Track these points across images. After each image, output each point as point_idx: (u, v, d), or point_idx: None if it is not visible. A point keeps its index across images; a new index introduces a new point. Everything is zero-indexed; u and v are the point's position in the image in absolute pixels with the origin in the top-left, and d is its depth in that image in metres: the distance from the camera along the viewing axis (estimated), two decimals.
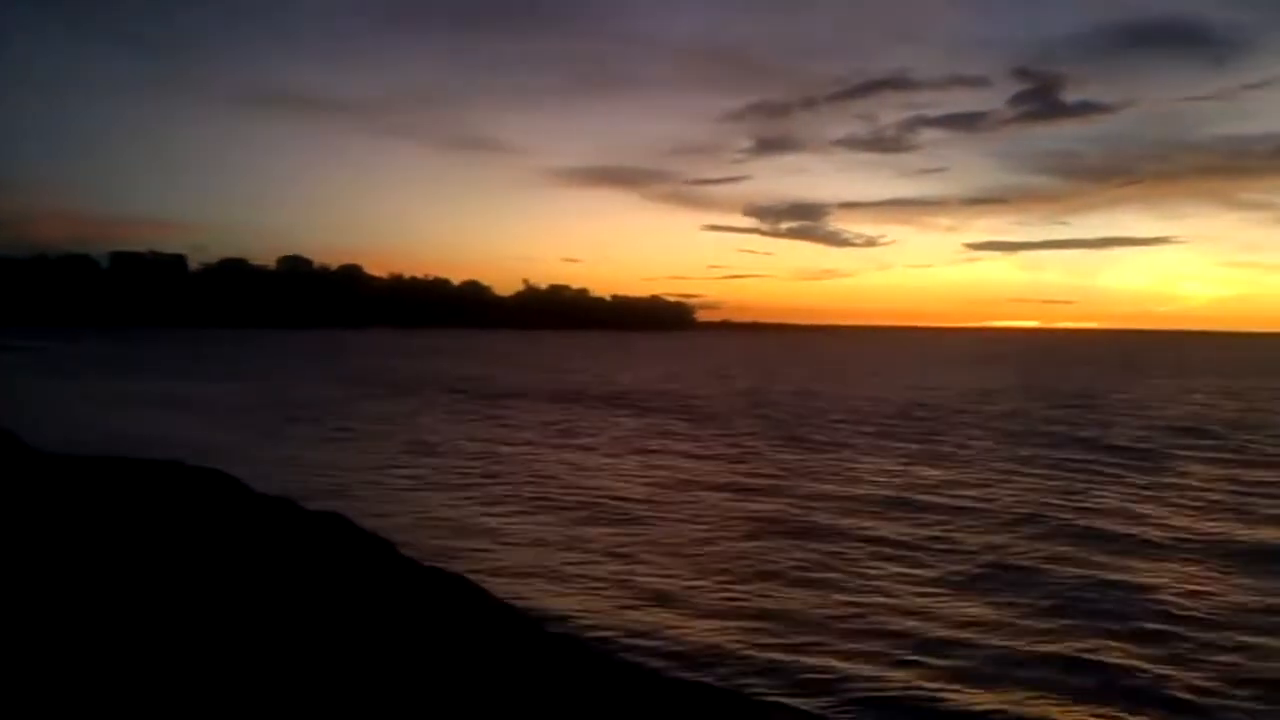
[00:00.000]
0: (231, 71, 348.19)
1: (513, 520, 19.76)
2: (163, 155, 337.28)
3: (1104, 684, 10.99)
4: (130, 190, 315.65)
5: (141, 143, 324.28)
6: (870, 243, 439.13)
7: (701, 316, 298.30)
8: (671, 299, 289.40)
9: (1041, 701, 10.46)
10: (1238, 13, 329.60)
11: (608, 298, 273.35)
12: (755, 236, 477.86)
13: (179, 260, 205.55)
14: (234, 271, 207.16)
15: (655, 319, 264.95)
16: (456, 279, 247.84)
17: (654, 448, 31.73)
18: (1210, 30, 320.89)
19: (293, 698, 8.92)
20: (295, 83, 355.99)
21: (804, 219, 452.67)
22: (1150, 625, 13.09)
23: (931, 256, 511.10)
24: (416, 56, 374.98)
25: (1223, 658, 11.87)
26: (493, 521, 19.53)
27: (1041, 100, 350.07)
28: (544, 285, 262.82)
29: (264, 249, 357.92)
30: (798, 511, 20.90)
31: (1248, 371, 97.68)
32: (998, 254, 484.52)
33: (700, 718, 9.77)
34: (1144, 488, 24.46)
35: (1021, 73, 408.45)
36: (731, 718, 9.90)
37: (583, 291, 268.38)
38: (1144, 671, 11.35)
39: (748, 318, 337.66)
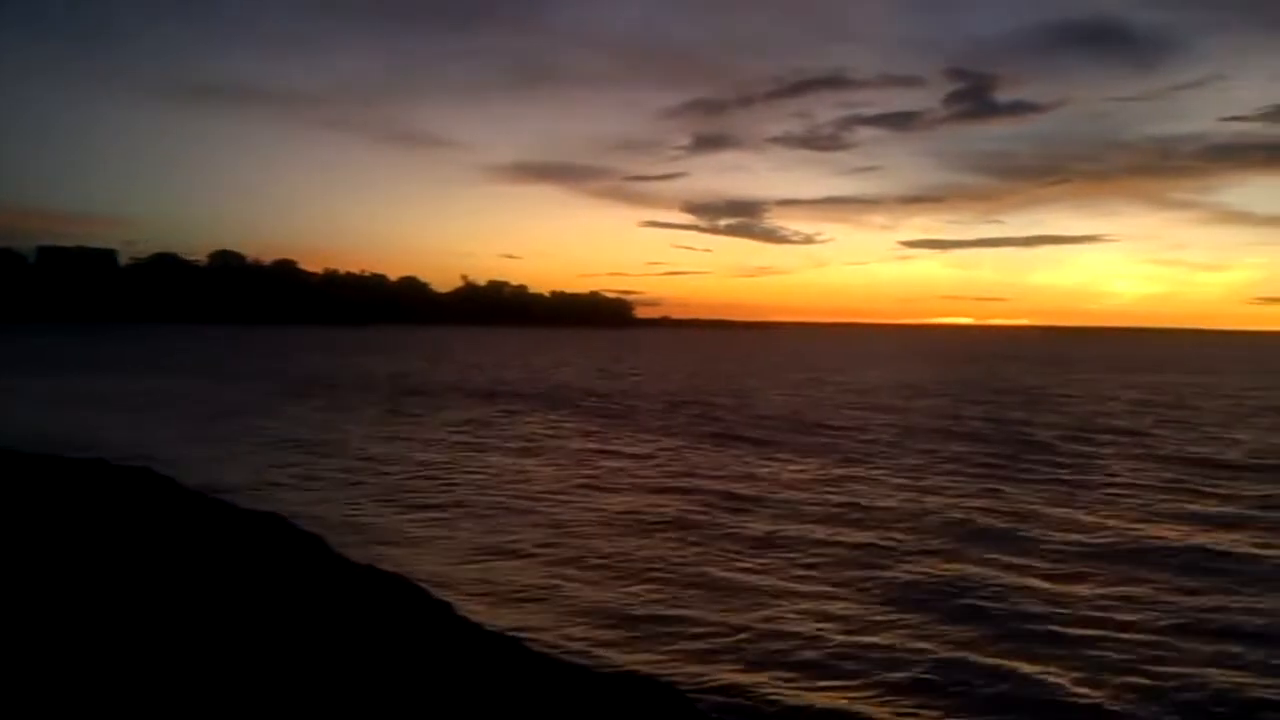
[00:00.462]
0: (164, 62, 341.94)
1: (426, 522, 19.82)
2: (93, 148, 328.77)
3: (981, 686, 11.22)
4: (59, 183, 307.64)
5: (71, 135, 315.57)
6: (807, 240, 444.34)
7: (640, 313, 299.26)
8: (610, 295, 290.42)
9: (923, 705, 10.73)
10: (1166, 15, 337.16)
11: (547, 294, 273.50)
12: (693, 233, 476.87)
13: (109, 255, 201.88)
14: (165, 266, 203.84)
15: (594, 315, 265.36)
16: (393, 275, 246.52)
17: (578, 447, 31.86)
18: (1140, 32, 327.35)
19: (229, 694, 9.09)
20: (229, 74, 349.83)
21: (742, 216, 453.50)
22: (1036, 628, 13.33)
23: (867, 254, 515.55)
24: (353, 49, 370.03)
25: (1113, 660, 12.16)
26: (406, 523, 19.59)
27: (975, 100, 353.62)
28: (482, 281, 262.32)
29: (197, 244, 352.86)
30: (713, 512, 21.12)
31: (1171, 368, 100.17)
32: (932, 252, 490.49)
33: (637, 713, 10.01)
34: (1057, 485, 25.02)
35: (955, 73, 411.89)
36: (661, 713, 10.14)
37: (521, 288, 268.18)
38: (1020, 674, 11.58)
39: (686, 314, 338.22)
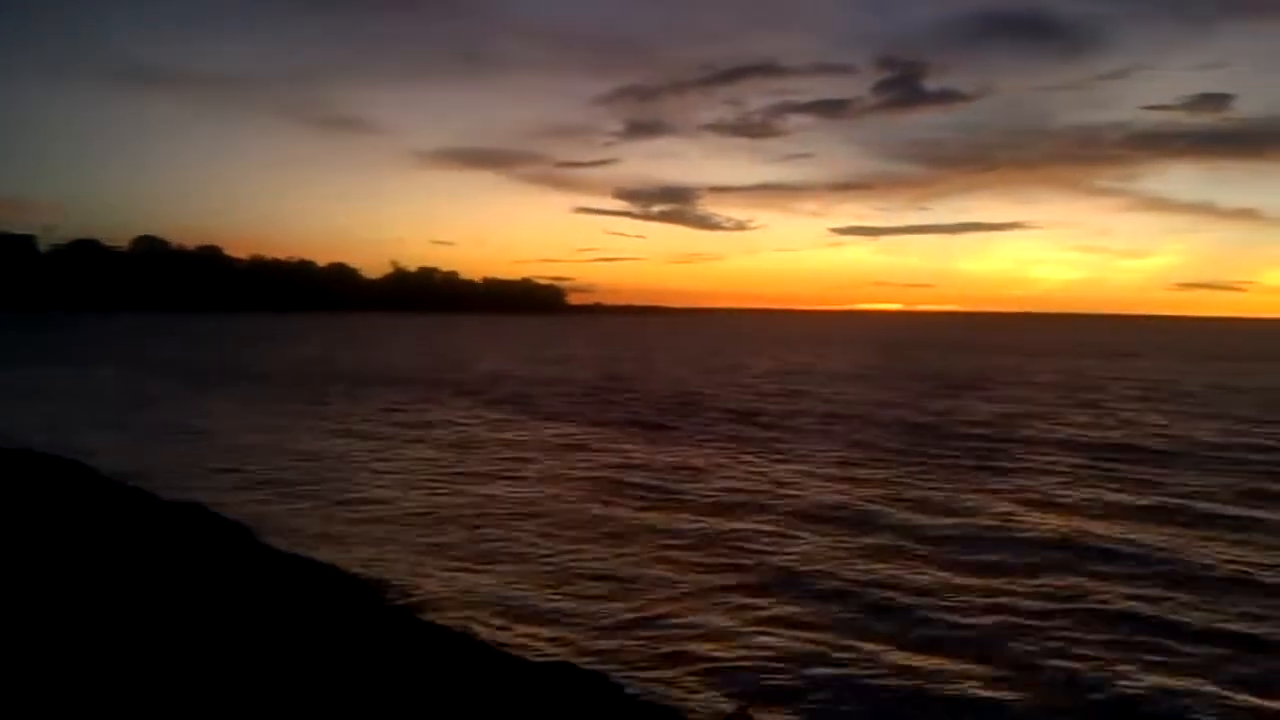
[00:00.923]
0: (84, 44, 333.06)
1: (345, 512, 19.80)
2: (10, 131, 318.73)
3: (869, 678, 11.35)
4: None
5: None
6: (739, 226, 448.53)
7: (573, 299, 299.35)
8: (543, 282, 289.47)
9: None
10: (1091, 5, 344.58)
11: (478, 281, 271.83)
12: (626, 220, 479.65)
13: (27, 240, 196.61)
14: (86, 252, 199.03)
15: (527, 302, 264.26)
16: (322, 261, 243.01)
17: (497, 436, 31.57)
18: (1064, 22, 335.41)
19: (158, 682, 9.32)
20: (153, 56, 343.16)
21: (674, 202, 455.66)
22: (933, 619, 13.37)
23: (798, 241, 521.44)
24: (280, 32, 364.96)
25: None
26: (327, 515, 19.55)
27: (904, 88, 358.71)
28: (413, 268, 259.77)
29: (119, 229, 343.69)
30: (621, 502, 21.10)
31: (1092, 353, 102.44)
32: (861, 238, 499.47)
33: (565, 702, 10.19)
34: (965, 472, 25.43)
35: (885, 61, 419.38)
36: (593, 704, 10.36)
37: (453, 274, 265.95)
38: (906, 666, 11.76)
39: (619, 300, 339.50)
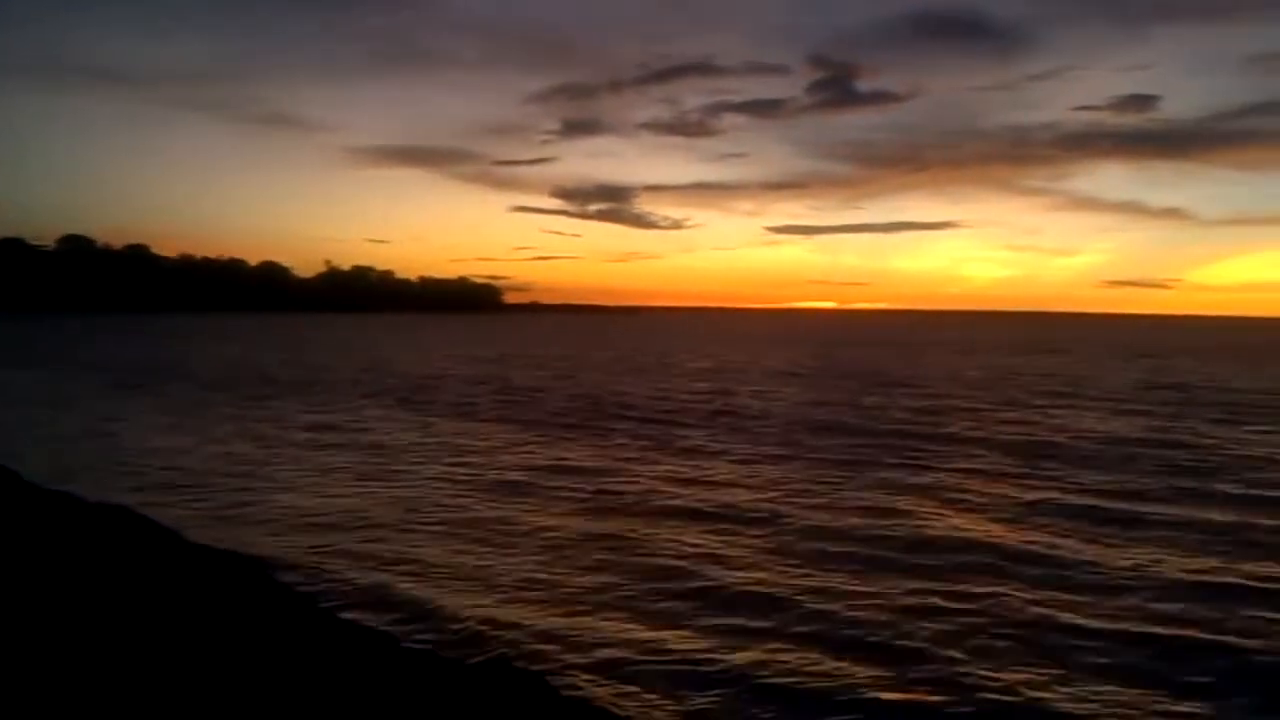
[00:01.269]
0: (7, 42, 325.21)
1: (260, 513, 19.68)
2: None
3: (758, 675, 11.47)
4: None
5: None
6: (676, 225, 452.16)
7: (510, 298, 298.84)
8: (480, 281, 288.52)
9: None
10: (1021, 7, 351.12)
11: (414, 280, 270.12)
12: (563, 218, 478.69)
13: None
14: (11, 251, 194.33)
15: (463, 301, 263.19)
16: (253, 260, 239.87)
17: (416, 440, 31.00)
18: (994, 23, 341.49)
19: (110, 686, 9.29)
20: (78, 51, 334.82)
21: (611, 201, 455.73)
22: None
23: (734, 239, 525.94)
24: (212, 26, 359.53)
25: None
26: (246, 520, 19.28)
27: (837, 88, 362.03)
28: (347, 267, 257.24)
29: (44, 227, 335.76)
30: (513, 502, 21.13)
31: (1021, 350, 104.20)
32: (797, 237, 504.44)
33: (503, 702, 10.22)
34: (897, 473, 25.38)
35: (818, 61, 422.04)
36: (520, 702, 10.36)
37: (388, 273, 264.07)
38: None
39: (556, 299, 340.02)
